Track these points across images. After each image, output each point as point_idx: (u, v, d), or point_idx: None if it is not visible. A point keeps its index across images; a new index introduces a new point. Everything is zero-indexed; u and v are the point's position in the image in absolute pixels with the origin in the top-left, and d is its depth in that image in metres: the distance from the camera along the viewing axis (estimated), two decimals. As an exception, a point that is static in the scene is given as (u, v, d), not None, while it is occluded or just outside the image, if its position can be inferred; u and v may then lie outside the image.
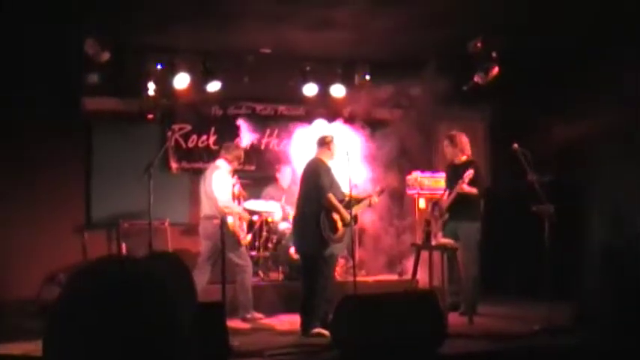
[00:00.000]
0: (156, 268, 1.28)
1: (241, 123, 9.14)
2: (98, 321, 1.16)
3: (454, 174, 8.05)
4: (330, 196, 6.91)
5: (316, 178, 6.99)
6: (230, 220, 7.59)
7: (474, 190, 7.79)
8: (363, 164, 8.40)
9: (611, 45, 8.15)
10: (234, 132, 9.36)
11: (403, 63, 9.65)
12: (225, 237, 7.10)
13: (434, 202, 8.44)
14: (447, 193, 8.20)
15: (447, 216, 7.91)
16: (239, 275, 7.71)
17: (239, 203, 8.27)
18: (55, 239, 8.62)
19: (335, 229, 6.94)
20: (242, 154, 8.16)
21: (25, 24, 7.82)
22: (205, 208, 7.80)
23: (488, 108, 10.11)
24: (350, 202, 7.04)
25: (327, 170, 7.08)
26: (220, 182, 7.73)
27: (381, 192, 7.79)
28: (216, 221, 7.45)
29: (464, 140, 8.22)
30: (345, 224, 7.00)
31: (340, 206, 6.97)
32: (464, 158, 8.16)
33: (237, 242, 7.72)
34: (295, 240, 7.45)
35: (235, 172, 8.34)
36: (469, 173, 7.69)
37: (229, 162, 7.92)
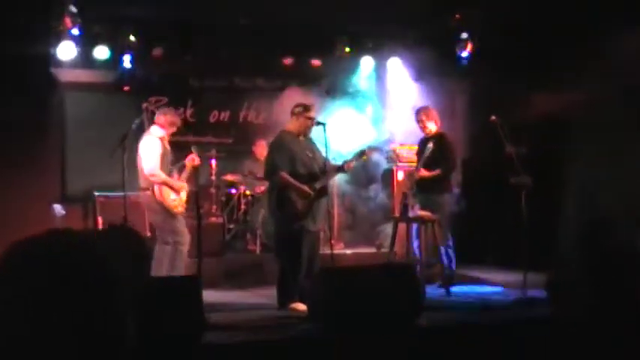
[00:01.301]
0: (99, 243, 1.22)
1: None
2: (24, 298, 1.11)
3: (424, 148, 8.06)
4: (282, 173, 6.69)
5: (270, 155, 6.85)
6: (157, 189, 7.07)
7: (435, 173, 7.79)
8: (344, 133, 8.39)
9: (593, 17, 8.10)
10: (212, 105, 9.27)
11: (383, 34, 9.59)
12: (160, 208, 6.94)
13: (408, 174, 8.44)
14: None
15: (414, 190, 7.92)
16: (172, 253, 7.02)
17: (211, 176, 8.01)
18: (29, 213, 8.50)
19: (293, 205, 6.70)
20: (178, 120, 7.56)
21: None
22: (140, 180, 7.29)
23: (468, 80, 10.07)
24: (322, 173, 6.90)
25: (285, 145, 6.81)
26: (147, 149, 7.15)
27: (362, 155, 7.27)
28: (149, 192, 7.09)
29: (434, 114, 8.19)
30: (304, 199, 6.72)
31: (294, 183, 6.68)
32: (434, 131, 8.14)
33: (168, 215, 7.13)
34: (269, 216, 7.39)
35: (213, 144, 8.23)
36: (427, 154, 7.67)
37: (162, 126, 7.34)
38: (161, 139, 7.29)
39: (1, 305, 1.12)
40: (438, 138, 7.96)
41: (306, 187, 6.72)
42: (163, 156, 7.24)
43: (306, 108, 6.96)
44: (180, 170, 7.39)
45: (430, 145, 7.74)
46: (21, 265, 1.14)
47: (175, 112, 7.79)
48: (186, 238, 7.13)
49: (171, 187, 7.13)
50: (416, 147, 9.33)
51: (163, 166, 7.20)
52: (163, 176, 7.15)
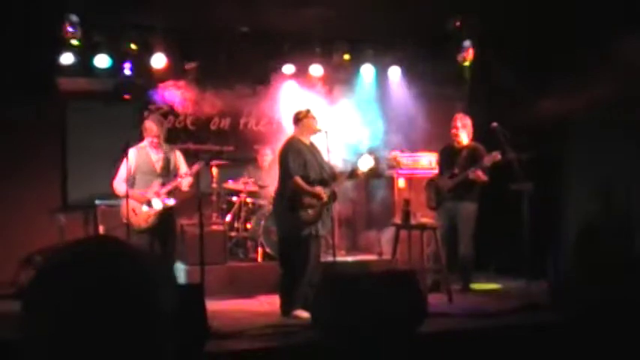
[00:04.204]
0: (135, 249, 1.24)
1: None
2: (78, 303, 1.11)
3: (455, 156, 8.05)
4: (297, 178, 6.74)
5: (284, 160, 6.88)
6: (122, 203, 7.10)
7: (485, 178, 7.80)
8: (345, 140, 8.42)
9: (593, 19, 8.09)
10: (212, 112, 9.30)
11: (382, 42, 9.61)
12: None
13: (429, 180, 8.42)
14: (444, 174, 8.16)
15: (448, 195, 7.93)
16: None
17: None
18: (31, 221, 8.51)
19: (305, 210, 6.76)
20: (153, 126, 7.29)
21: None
22: None
23: (468, 86, 10.08)
24: (330, 179, 6.96)
25: (298, 150, 6.88)
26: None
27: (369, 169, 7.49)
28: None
29: (470, 124, 8.22)
30: (316, 204, 6.79)
31: (308, 188, 6.76)
32: (465, 142, 8.14)
33: (130, 229, 7.08)
34: (274, 221, 7.44)
35: (214, 153, 8.20)
36: (495, 158, 7.61)
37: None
38: (139, 148, 7.27)
39: (43, 307, 1.12)
40: (481, 150, 7.97)
41: (320, 189, 6.80)
42: (139, 165, 7.20)
43: (308, 111, 7.09)
44: (165, 182, 7.30)
45: (495, 156, 7.64)
46: (66, 270, 1.15)
47: (156, 118, 7.65)
48: None
49: (137, 200, 7.13)
50: (417, 156, 9.40)
51: (139, 176, 7.18)
52: (120, 189, 7.17)
